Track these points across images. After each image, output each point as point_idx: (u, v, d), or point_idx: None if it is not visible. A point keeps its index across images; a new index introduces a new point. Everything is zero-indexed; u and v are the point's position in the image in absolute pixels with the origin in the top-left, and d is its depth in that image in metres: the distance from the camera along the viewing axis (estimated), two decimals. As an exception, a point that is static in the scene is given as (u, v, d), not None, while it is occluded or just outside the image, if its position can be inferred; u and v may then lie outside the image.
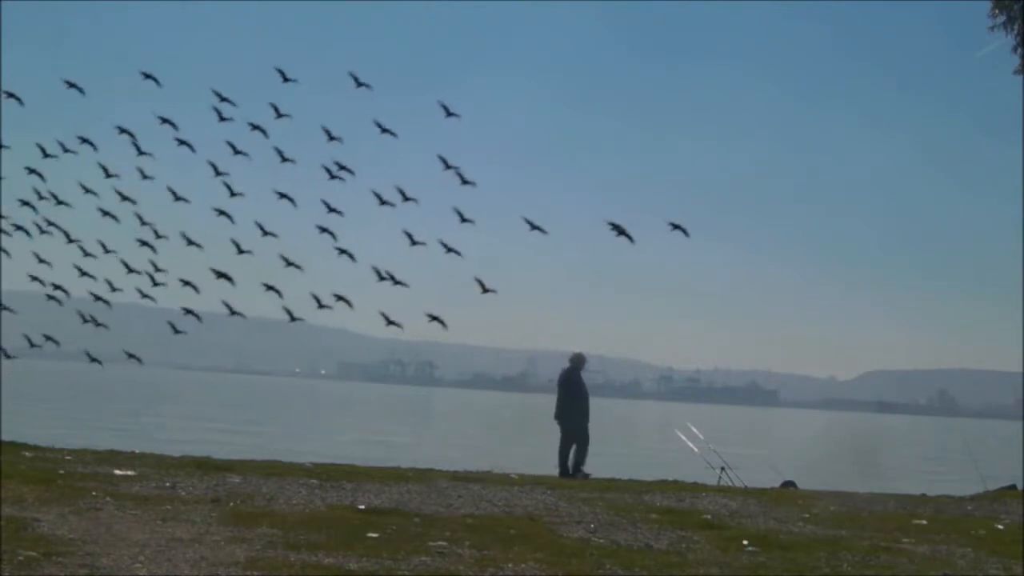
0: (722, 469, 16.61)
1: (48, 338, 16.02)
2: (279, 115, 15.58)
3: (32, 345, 16.01)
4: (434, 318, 14.61)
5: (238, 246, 15.19)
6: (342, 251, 15.03)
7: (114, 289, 15.93)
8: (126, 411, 49.72)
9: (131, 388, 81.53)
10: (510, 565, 7.35)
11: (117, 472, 11.15)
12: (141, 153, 15.78)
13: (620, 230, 13.69)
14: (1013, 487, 15.65)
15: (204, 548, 7.35)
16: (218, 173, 15.40)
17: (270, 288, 15.02)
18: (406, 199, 15.02)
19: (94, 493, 9.52)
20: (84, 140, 15.92)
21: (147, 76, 16.04)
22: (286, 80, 15.74)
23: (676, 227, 14.02)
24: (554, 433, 16.65)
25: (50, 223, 15.88)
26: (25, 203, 15.78)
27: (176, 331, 16.72)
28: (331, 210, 15.14)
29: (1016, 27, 13.35)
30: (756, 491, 14.16)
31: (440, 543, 8.00)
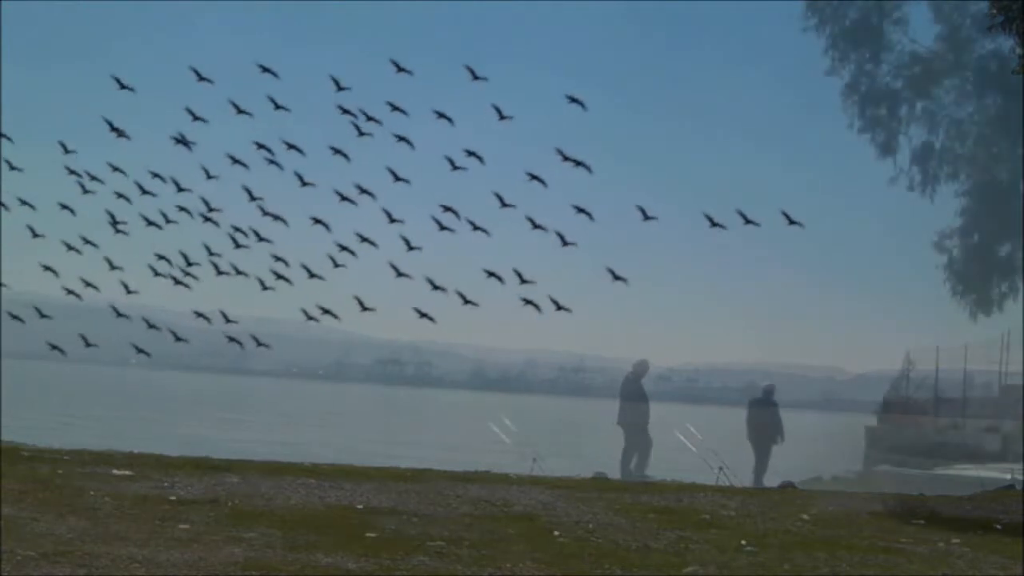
0: (720, 469, 16.63)
1: (178, 338, 16.18)
2: (394, 108, 15.48)
3: (150, 326, 16.42)
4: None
5: (333, 260, 15.45)
6: (475, 225, 15.16)
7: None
8: (125, 411, 49.66)
9: (131, 388, 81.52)
10: (509, 565, 7.35)
11: (115, 472, 11.13)
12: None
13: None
14: (1012, 487, 15.65)
15: (202, 548, 7.35)
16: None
17: (400, 274, 14.95)
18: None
19: (92, 493, 9.50)
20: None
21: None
22: (400, 70, 15.69)
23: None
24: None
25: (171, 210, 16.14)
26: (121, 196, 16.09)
27: (309, 317, 16.24)
28: (447, 208, 15.16)
29: (1016, 27, 13.30)
30: (755, 491, 14.16)
31: (439, 543, 8.00)
